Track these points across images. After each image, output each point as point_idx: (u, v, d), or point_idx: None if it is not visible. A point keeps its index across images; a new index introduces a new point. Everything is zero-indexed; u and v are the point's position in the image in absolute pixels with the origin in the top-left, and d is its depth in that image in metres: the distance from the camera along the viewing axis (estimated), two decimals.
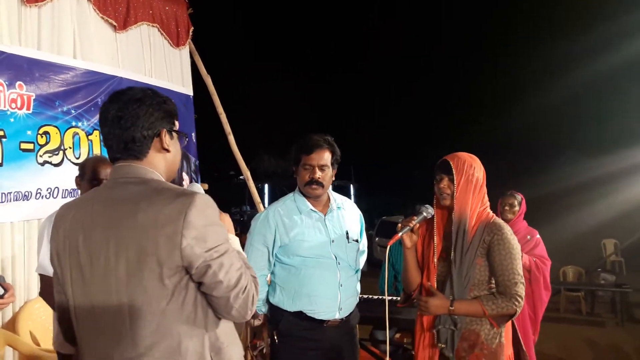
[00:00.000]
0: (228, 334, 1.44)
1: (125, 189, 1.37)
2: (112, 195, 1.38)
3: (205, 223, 1.31)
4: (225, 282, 1.32)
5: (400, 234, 2.17)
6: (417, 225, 2.20)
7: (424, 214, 2.19)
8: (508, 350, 2.15)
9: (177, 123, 1.51)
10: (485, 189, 2.19)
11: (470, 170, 2.14)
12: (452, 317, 2.10)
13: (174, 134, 1.48)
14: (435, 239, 2.21)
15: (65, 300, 1.43)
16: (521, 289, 2.05)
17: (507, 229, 2.13)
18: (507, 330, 2.15)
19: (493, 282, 2.13)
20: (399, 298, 2.48)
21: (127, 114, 1.39)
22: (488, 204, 2.21)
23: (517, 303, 2.04)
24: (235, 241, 1.53)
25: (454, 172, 2.14)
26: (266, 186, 18.92)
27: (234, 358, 1.44)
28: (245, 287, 1.36)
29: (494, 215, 2.20)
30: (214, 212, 1.36)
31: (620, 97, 14.84)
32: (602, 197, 12.42)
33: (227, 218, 1.58)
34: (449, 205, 2.17)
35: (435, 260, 2.20)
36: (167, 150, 1.45)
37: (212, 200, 1.38)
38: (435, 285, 2.18)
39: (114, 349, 1.33)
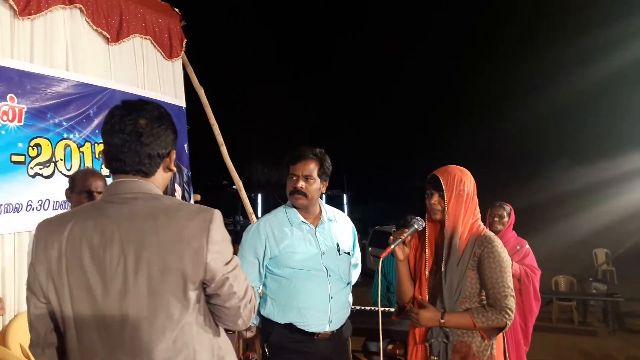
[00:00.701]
0: (227, 344, 1.50)
1: (135, 204, 1.36)
2: (123, 211, 1.36)
3: (223, 238, 1.38)
4: (238, 293, 1.40)
5: (392, 246, 2.19)
6: (409, 237, 2.22)
7: (415, 226, 2.21)
8: None
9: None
10: (476, 201, 2.21)
11: (461, 185, 2.15)
12: (444, 330, 2.11)
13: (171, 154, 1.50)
14: (427, 251, 2.23)
15: (56, 318, 1.40)
16: (511, 302, 2.07)
17: (498, 242, 2.14)
18: (498, 342, 2.17)
19: (484, 294, 2.14)
20: (392, 309, 2.49)
21: (148, 131, 1.38)
22: (479, 215, 2.23)
23: (507, 316, 2.05)
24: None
25: (444, 189, 2.15)
26: (259, 196, 18.94)
27: None
28: (252, 297, 1.46)
29: (485, 227, 2.21)
30: (224, 227, 1.42)
31: (610, 105, 15.00)
32: (592, 206, 12.50)
33: None
34: (440, 219, 2.19)
35: (427, 272, 2.21)
36: (171, 170, 1.48)
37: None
38: (427, 297, 2.19)
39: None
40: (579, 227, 11.69)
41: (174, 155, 1.47)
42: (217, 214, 1.39)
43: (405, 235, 2.19)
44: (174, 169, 1.48)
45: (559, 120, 17.81)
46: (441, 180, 2.17)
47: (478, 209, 2.22)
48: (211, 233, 1.34)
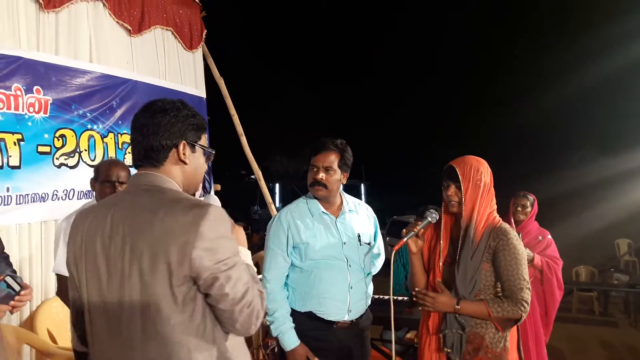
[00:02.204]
0: (237, 347, 1.45)
1: (143, 196, 1.41)
2: (131, 202, 1.41)
3: (217, 235, 1.33)
4: (232, 295, 1.33)
5: (405, 239, 2.19)
6: (422, 230, 2.21)
7: (429, 218, 2.20)
8: (513, 355, 2.15)
9: (204, 138, 1.53)
10: (493, 192, 2.18)
11: (477, 175, 2.12)
12: (459, 321, 2.10)
13: (197, 148, 1.49)
14: (441, 243, 2.22)
15: (80, 302, 1.47)
16: (527, 295, 2.06)
17: (513, 234, 2.13)
18: (512, 335, 2.16)
19: (499, 287, 2.13)
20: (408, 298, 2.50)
21: (150, 122, 1.43)
22: (495, 207, 2.21)
23: (522, 308, 2.04)
24: (246, 255, 1.54)
25: (460, 179, 2.13)
26: (277, 186, 18.97)
27: None
28: (251, 302, 1.36)
29: (500, 219, 2.19)
30: (226, 225, 1.38)
31: (637, 93, 14.59)
32: (615, 196, 12.29)
33: (240, 231, 1.58)
34: (456, 212, 2.18)
35: (441, 264, 2.21)
36: (184, 163, 1.46)
37: (225, 214, 1.40)
38: (438, 287, 2.19)
39: (125, 355, 1.37)
40: (601, 217, 11.51)
41: (185, 147, 1.45)
42: (214, 211, 1.34)
43: (418, 228, 2.18)
44: (187, 161, 1.46)
45: (585, 109, 17.47)
46: (458, 171, 2.14)
47: (494, 200, 2.20)
48: (201, 229, 1.30)
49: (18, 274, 3.39)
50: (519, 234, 3.53)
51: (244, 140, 5.99)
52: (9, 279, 1.81)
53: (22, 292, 1.83)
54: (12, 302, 1.82)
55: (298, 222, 2.42)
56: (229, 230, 1.39)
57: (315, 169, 2.40)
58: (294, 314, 2.41)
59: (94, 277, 1.40)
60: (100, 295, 1.40)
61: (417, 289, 2.19)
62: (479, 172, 2.13)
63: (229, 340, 1.42)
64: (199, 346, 1.35)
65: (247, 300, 1.35)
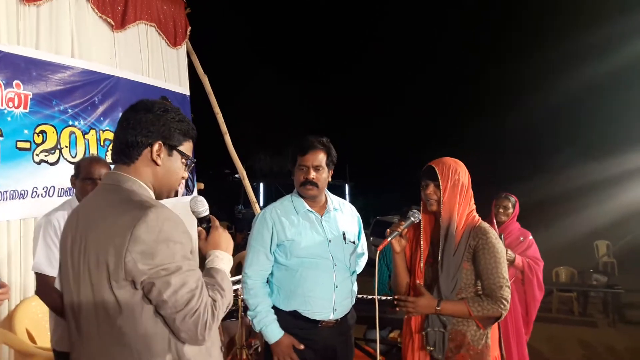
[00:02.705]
0: (197, 352, 1.38)
1: (101, 195, 1.41)
2: (92, 201, 1.43)
3: (156, 239, 1.27)
4: (171, 302, 1.27)
5: (389, 239, 2.22)
6: (406, 230, 2.24)
7: (412, 218, 2.23)
8: (494, 352, 2.19)
9: (187, 145, 1.49)
10: (471, 193, 2.23)
11: (456, 175, 2.17)
12: (441, 319, 2.13)
13: (175, 153, 1.46)
14: (422, 243, 2.25)
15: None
16: (507, 293, 2.10)
17: (492, 233, 2.17)
18: (493, 331, 2.20)
19: (479, 285, 2.17)
20: (393, 297, 2.51)
21: (132, 117, 1.42)
22: (474, 207, 2.25)
23: (502, 306, 2.08)
24: (224, 260, 1.49)
25: (439, 179, 2.17)
26: (261, 185, 18.90)
27: None
28: (196, 310, 1.29)
29: (480, 219, 2.23)
30: (172, 228, 1.30)
31: (621, 99, 14.80)
32: (596, 199, 12.49)
33: (223, 236, 1.54)
34: (435, 210, 2.21)
35: (422, 264, 2.24)
36: (156, 164, 1.42)
37: (174, 216, 1.33)
38: (419, 289, 2.21)
39: (90, 355, 1.36)
40: (581, 220, 11.69)
41: (160, 148, 1.42)
42: (156, 213, 1.28)
43: (401, 228, 2.21)
44: (160, 162, 1.42)
45: (569, 114, 17.68)
46: (437, 170, 2.19)
47: (473, 201, 2.24)
48: (136, 232, 1.25)
49: None
50: (500, 235, 3.60)
51: (227, 138, 5.95)
52: None
53: (0, 290, 1.79)
54: None
55: (283, 220, 2.41)
56: (175, 234, 1.31)
57: (305, 169, 2.39)
58: (279, 312, 2.40)
59: (65, 275, 1.41)
60: (69, 294, 1.40)
61: (396, 297, 2.23)
62: (457, 172, 2.18)
63: (188, 347, 1.35)
64: (149, 351, 1.31)
65: (190, 308, 1.28)
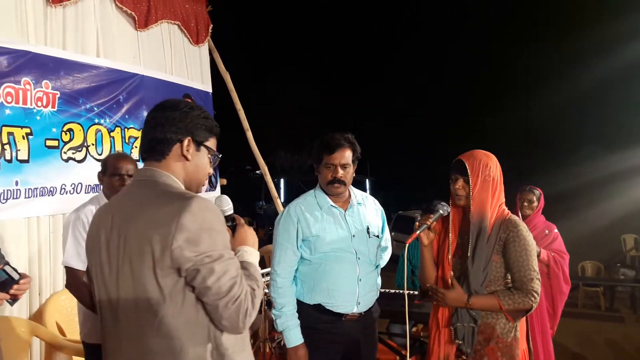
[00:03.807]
0: (234, 341, 1.41)
1: (137, 190, 1.45)
2: (127, 196, 1.47)
3: (201, 227, 1.31)
4: (215, 289, 1.30)
5: (418, 232, 2.18)
6: (434, 223, 2.21)
7: (441, 211, 2.21)
8: (522, 345, 2.18)
9: (212, 141, 1.54)
10: (502, 187, 2.19)
11: (486, 170, 2.14)
12: (471, 313, 2.12)
13: (202, 148, 1.50)
14: (450, 236, 2.24)
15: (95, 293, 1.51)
16: (537, 285, 2.08)
17: (523, 225, 2.14)
18: (521, 325, 2.18)
19: (508, 277, 2.15)
20: (415, 292, 2.51)
21: (160, 115, 1.46)
22: (504, 200, 2.22)
23: (533, 298, 2.06)
24: (252, 255, 1.53)
25: (469, 174, 2.14)
26: (282, 181, 18.99)
27: None
28: (237, 297, 1.32)
29: (509, 212, 2.21)
30: (213, 217, 1.35)
31: None
32: (622, 192, 12.24)
33: (250, 232, 1.58)
34: (464, 205, 2.19)
35: (450, 257, 2.22)
36: (186, 159, 1.47)
37: (213, 206, 1.39)
38: (450, 281, 2.20)
39: (128, 346, 1.39)
40: (608, 213, 11.46)
41: (189, 144, 1.46)
42: (198, 202, 1.32)
43: (430, 221, 2.18)
44: (189, 157, 1.46)
45: (594, 105, 17.31)
46: (466, 165, 2.15)
47: (503, 194, 2.21)
48: (182, 220, 1.28)
49: (27, 268, 3.44)
50: None
51: (249, 135, 6.00)
52: (8, 268, 1.83)
53: (22, 281, 1.85)
54: (11, 291, 1.83)
55: (307, 215, 2.42)
56: (216, 223, 1.36)
57: (332, 167, 2.37)
58: (302, 306, 2.41)
59: (100, 270, 1.44)
60: (105, 287, 1.43)
61: (428, 285, 2.21)
62: (488, 167, 2.15)
63: (226, 336, 1.39)
64: (190, 340, 1.34)
65: (232, 295, 1.31)
